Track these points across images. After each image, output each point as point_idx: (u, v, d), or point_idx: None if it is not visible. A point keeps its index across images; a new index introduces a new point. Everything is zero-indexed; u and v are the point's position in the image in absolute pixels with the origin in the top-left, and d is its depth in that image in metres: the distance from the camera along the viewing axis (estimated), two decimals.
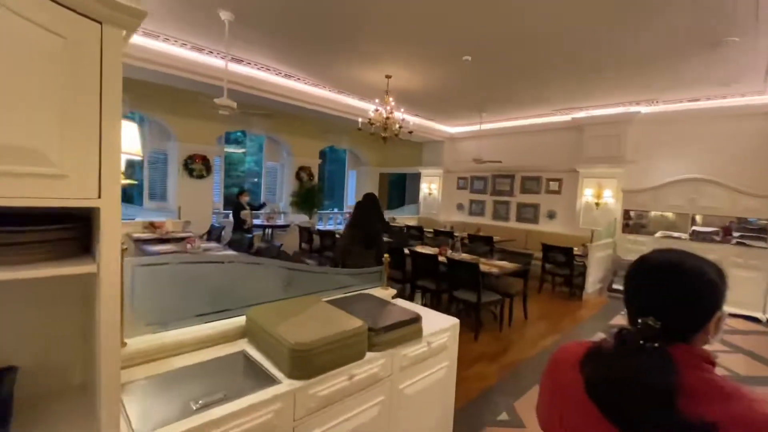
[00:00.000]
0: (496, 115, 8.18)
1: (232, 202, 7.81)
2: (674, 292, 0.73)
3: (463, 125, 9.48)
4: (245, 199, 7.37)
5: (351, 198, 12.57)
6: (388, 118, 5.60)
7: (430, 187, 10.35)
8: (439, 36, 4.29)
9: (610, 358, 0.74)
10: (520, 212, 8.83)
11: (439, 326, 2.05)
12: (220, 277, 1.92)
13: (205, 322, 1.72)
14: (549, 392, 0.87)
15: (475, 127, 8.95)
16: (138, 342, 1.49)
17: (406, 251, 5.10)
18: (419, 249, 5.40)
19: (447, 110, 8.05)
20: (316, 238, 8.00)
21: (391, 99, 5.70)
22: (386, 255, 2.44)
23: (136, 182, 8.21)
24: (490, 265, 4.52)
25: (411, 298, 4.90)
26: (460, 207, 10.02)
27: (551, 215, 8.31)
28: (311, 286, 2.14)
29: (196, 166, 8.31)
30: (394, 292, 2.40)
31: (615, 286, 6.51)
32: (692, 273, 0.74)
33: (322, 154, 14.46)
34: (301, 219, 9.33)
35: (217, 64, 5.34)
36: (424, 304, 3.47)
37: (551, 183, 8.34)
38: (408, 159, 11.40)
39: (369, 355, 1.64)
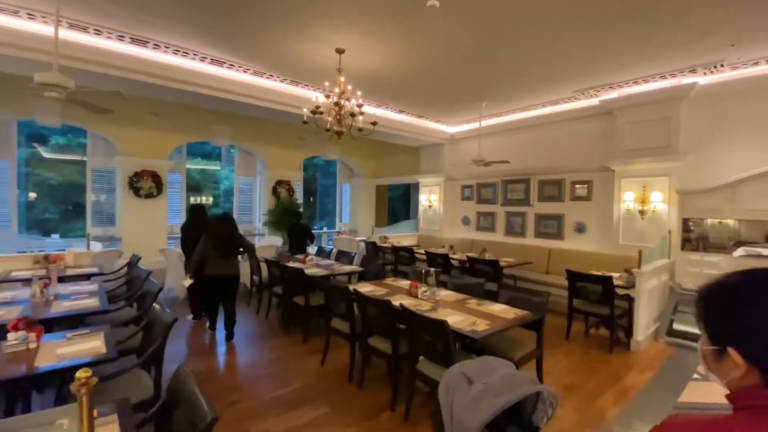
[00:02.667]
0: (500, 104, 6.51)
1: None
2: None
3: (462, 122, 7.85)
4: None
5: (345, 214, 11.09)
6: (337, 104, 4.09)
7: (429, 198, 8.71)
8: None
9: None
10: (540, 225, 7.01)
11: None
12: None
13: None
14: None
15: (477, 124, 7.31)
16: None
17: (359, 288, 3.49)
18: (371, 288, 3.77)
19: (434, 102, 6.47)
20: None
21: (342, 78, 4.20)
22: None
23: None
24: (475, 317, 2.84)
25: (358, 372, 3.27)
26: (465, 221, 8.30)
27: (580, 228, 6.45)
28: None
29: (144, 184, 7.11)
30: None
31: (678, 327, 4.57)
32: None
33: (313, 167, 13.19)
34: (276, 241, 7.91)
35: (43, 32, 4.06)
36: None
37: (577, 187, 6.51)
38: (404, 167, 9.84)
39: None
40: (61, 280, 4.36)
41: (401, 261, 6.91)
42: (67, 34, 3.96)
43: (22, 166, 11.25)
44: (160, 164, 7.30)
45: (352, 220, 11.00)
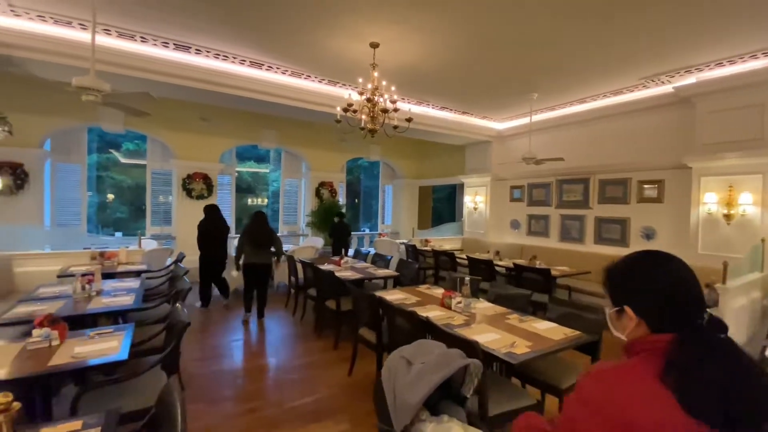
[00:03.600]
0: (554, 96, 5.93)
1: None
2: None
3: (511, 118, 7.31)
4: None
5: (388, 216, 10.92)
6: (369, 100, 3.90)
7: (474, 199, 8.23)
8: None
9: (713, 358, 0.72)
10: (601, 230, 6.28)
11: None
12: None
13: None
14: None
15: (527, 119, 6.75)
16: None
17: (384, 296, 3.25)
18: (402, 296, 3.51)
19: (479, 96, 6.04)
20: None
21: (376, 74, 4.00)
22: None
23: None
24: (515, 336, 2.47)
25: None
26: (515, 225, 7.71)
27: (648, 235, 5.66)
28: None
29: (196, 186, 7.47)
30: None
31: None
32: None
33: (357, 169, 13.16)
34: (317, 242, 7.92)
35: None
36: None
37: (646, 187, 5.73)
38: (448, 167, 9.44)
39: None
40: (113, 276, 4.66)
41: (442, 266, 6.55)
42: (117, 43, 4.19)
43: (95, 170, 12.52)
44: (211, 167, 7.64)
45: (395, 222, 10.80)
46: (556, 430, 0.89)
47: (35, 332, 2.16)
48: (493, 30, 3.80)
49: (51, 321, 2.22)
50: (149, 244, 6.93)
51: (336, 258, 5.40)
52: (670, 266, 0.84)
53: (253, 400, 3.02)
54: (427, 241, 7.65)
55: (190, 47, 4.41)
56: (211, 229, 5.47)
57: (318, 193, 8.90)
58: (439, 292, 3.63)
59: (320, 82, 5.43)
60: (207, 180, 7.56)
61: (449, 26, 3.73)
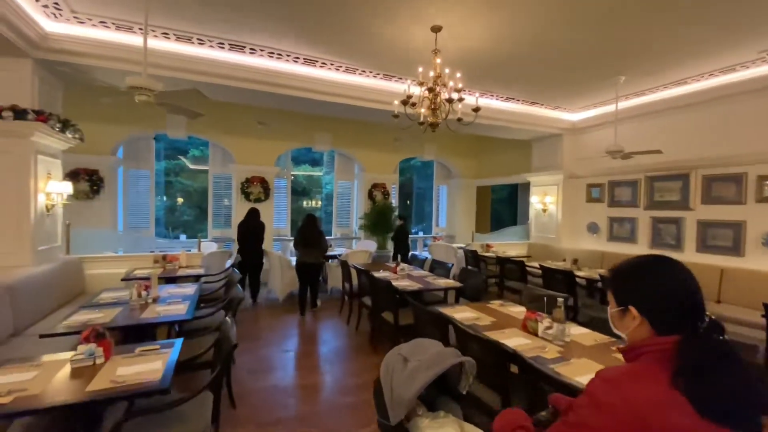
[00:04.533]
0: (646, 78, 5.04)
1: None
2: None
3: (588, 107, 6.44)
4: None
5: (442, 219, 10.36)
6: (431, 89, 3.45)
7: (543, 200, 7.42)
8: None
9: (720, 361, 0.75)
10: (705, 236, 5.25)
11: None
12: None
13: None
14: None
15: (610, 108, 5.87)
16: None
17: (452, 315, 2.78)
18: (472, 315, 3.00)
19: (551, 83, 5.32)
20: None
21: (438, 60, 3.55)
22: None
23: None
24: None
25: None
26: (593, 228, 6.81)
27: None
28: None
29: (253, 189, 7.52)
30: None
31: None
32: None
33: (409, 170, 12.69)
34: (370, 246, 7.63)
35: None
36: None
37: (767, 183, 4.66)
38: (511, 164, 8.68)
39: None
40: (174, 280, 4.69)
41: (508, 275, 5.89)
42: (175, 46, 4.17)
43: (163, 176, 13.37)
44: (267, 170, 7.67)
45: (450, 225, 10.20)
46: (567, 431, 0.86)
47: (80, 348, 2.00)
48: (573, 4, 3.18)
49: (96, 336, 2.06)
50: (209, 247, 7.08)
51: (392, 264, 5.02)
52: (676, 270, 0.87)
53: (307, 425, 2.71)
54: (488, 246, 7.01)
55: (244, 47, 4.28)
56: (247, 227, 5.89)
57: (370, 195, 8.61)
58: (516, 311, 3.08)
59: (375, 77, 5.09)
60: (264, 183, 7.58)
61: (522, 1, 3.18)
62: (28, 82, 3.81)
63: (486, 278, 5.73)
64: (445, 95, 3.60)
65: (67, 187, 4.45)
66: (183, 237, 9.24)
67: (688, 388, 0.72)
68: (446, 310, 3.03)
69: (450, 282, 4.25)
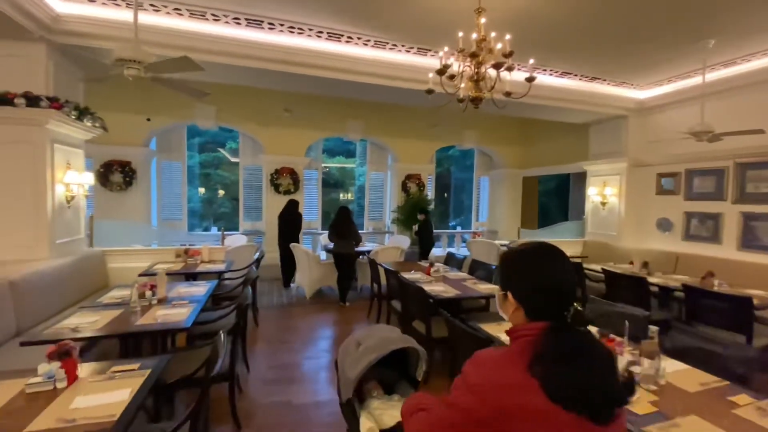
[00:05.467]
0: (741, 42, 4.05)
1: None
2: (576, 276, 0.90)
3: (661, 82, 5.44)
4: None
5: (483, 212, 9.58)
6: (474, 55, 2.83)
7: (602, 192, 6.49)
8: None
9: (569, 355, 0.79)
10: None
11: None
12: None
13: None
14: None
15: (691, 81, 4.86)
16: None
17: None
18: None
19: (618, 52, 4.44)
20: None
21: (483, 20, 2.91)
22: None
23: None
24: None
25: None
26: (664, 225, 5.82)
27: None
28: None
29: (283, 181, 7.23)
30: None
31: None
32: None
33: (447, 160, 11.92)
34: (403, 242, 7.10)
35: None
36: None
37: None
38: (563, 152, 7.75)
39: None
40: (194, 276, 4.44)
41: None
42: (189, 25, 3.85)
43: (200, 168, 13.58)
44: (297, 161, 7.35)
45: (492, 220, 9.40)
46: (444, 411, 0.89)
47: (40, 369, 1.66)
48: None
49: (60, 354, 1.72)
50: (238, 240, 6.90)
51: (424, 264, 4.46)
52: (550, 260, 0.89)
53: None
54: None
55: (262, 21, 3.87)
56: (284, 219, 6.29)
57: (404, 187, 8.06)
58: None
59: (408, 51, 4.51)
60: (294, 175, 7.28)
61: None
62: (42, 68, 3.63)
63: None
64: (490, 66, 2.95)
65: (89, 178, 4.32)
66: (214, 229, 9.20)
67: (540, 374, 0.76)
68: (489, 328, 2.45)
69: (493, 287, 3.62)
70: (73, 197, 4.06)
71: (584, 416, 0.73)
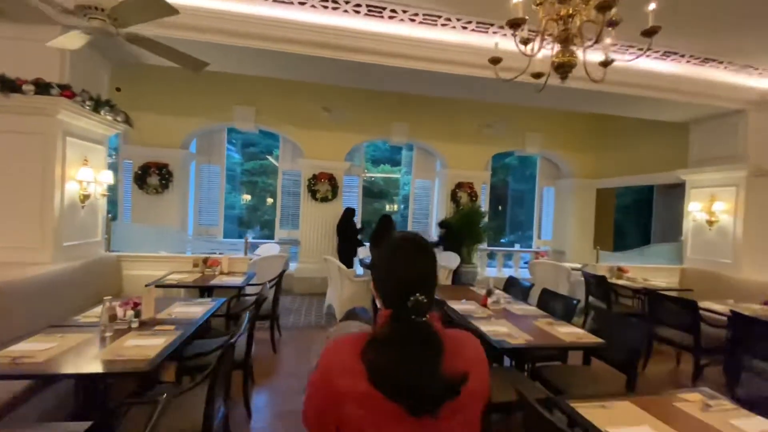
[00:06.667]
0: None
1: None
2: (432, 268, 0.89)
3: None
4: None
5: (547, 229, 8.35)
6: (563, 18, 1.97)
7: (709, 208, 5.13)
8: None
9: (390, 342, 0.78)
10: None
11: None
12: None
13: None
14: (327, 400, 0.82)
15: None
16: None
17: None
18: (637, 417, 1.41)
19: (746, 27, 3.27)
20: None
21: None
22: None
23: None
24: None
25: None
26: None
27: None
28: None
29: (320, 187, 6.68)
30: None
31: None
32: (432, 251, 0.92)
33: (503, 169, 10.77)
34: (452, 260, 6.18)
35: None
36: None
37: None
38: (652, 158, 6.44)
39: None
40: (210, 290, 3.92)
41: (663, 319, 3.85)
42: (217, 4, 3.37)
43: (243, 174, 13.59)
44: (336, 166, 6.79)
45: (556, 238, 8.13)
46: (307, 390, 0.89)
47: None
48: None
49: None
50: (271, 249, 6.43)
51: (480, 292, 3.54)
52: (404, 251, 0.89)
53: None
54: (620, 270, 5.01)
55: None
56: (339, 230, 6.22)
57: (454, 197, 7.15)
58: (712, 417, 1.42)
59: (464, 28, 3.71)
60: (332, 180, 6.71)
61: None
62: (57, 54, 3.32)
63: (649, 330, 3.74)
64: (585, 18, 2.07)
65: (107, 177, 3.98)
66: (250, 236, 8.88)
67: (365, 360, 0.77)
68: (592, 412, 1.52)
69: (578, 332, 2.59)
70: (87, 196, 3.72)
71: (402, 406, 0.73)
